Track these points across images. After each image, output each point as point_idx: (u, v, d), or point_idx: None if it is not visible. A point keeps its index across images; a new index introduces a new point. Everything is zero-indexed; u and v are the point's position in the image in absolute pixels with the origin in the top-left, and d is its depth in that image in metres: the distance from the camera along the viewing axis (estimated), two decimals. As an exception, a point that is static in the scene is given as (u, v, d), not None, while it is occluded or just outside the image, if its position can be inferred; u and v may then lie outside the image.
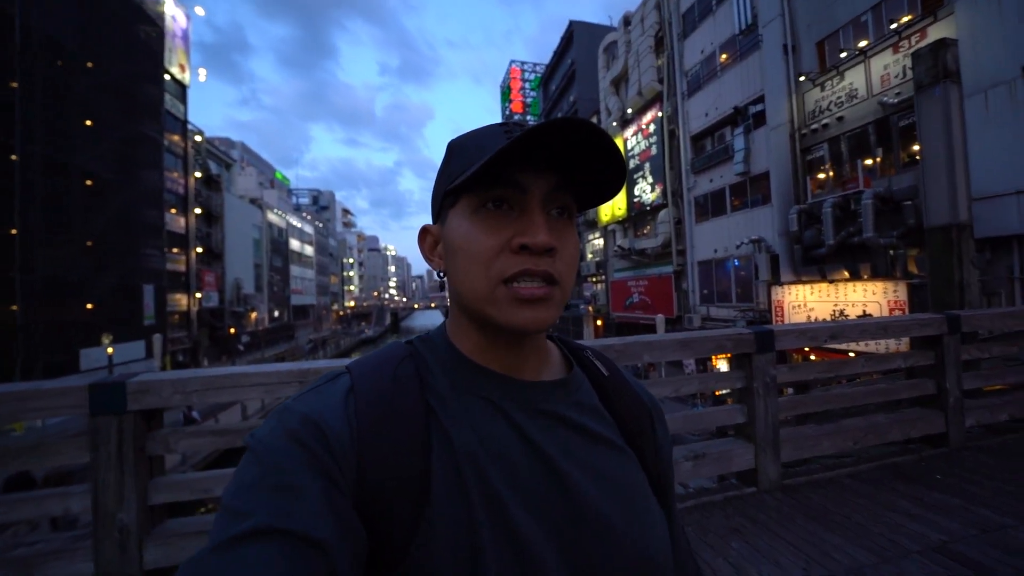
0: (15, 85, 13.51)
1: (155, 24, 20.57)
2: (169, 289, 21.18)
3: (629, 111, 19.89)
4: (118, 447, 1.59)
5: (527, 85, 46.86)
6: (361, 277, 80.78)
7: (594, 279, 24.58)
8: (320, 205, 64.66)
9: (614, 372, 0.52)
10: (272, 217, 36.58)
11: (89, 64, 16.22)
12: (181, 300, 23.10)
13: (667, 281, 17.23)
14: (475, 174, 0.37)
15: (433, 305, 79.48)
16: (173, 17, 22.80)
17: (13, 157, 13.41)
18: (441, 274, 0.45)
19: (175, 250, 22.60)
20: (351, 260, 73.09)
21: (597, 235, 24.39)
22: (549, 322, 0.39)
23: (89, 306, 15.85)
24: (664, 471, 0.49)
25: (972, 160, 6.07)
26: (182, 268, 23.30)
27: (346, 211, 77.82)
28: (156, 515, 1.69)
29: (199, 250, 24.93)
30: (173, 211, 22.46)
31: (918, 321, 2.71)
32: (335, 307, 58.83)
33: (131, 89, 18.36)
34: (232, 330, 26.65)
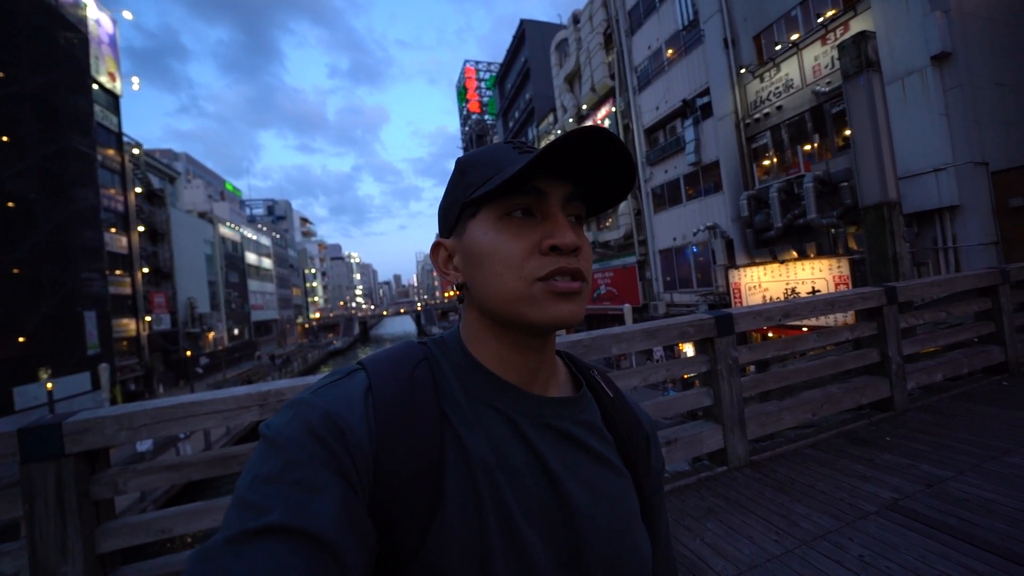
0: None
1: (77, 30, 18.84)
2: (114, 314, 19.57)
3: (584, 107, 20.26)
4: (57, 495, 1.44)
5: (483, 84, 46.76)
6: (325, 287, 78.05)
7: (563, 274, 24.84)
8: (276, 215, 61.66)
9: (618, 394, 0.53)
10: (224, 231, 34.57)
11: (0, 74, 14.69)
12: (129, 325, 21.45)
13: (631, 271, 17.72)
14: (504, 184, 0.39)
15: (403, 311, 77.95)
16: (97, 22, 21.01)
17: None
18: (459, 285, 0.46)
19: (118, 272, 20.92)
20: (313, 271, 70.41)
21: (563, 230, 24.67)
22: (582, 316, 0.41)
23: (21, 339, 14.40)
24: (653, 496, 0.50)
25: (896, 142, 6.62)
26: (128, 291, 21.61)
27: (304, 220, 74.75)
28: (108, 564, 1.54)
29: (145, 270, 23.21)
30: (113, 230, 20.79)
31: (860, 295, 2.90)
32: (300, 320, 56.52)
33: (54, 100, 16.78)
34: (188, 353, 24.98)
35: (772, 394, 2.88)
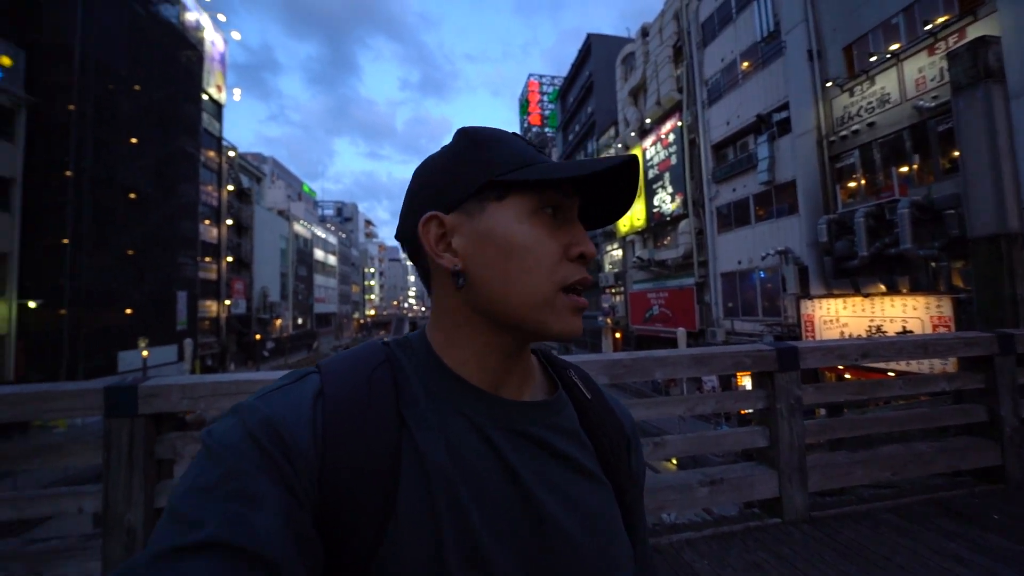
0: (72, 107, 14.58)
1: (195, 49, 21.90)
2: (201, 296, 22.09)
3: (648, 121, 19.73)
4: (128, 449, 1.61)
5: (545, 98, 47.36)
6: (381, 287, 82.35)
7: (612, 290, 24.21)
8: (344, 216, 66.54)
9: (596, 395, 0.49)
10: (298, 228, 37.85)
11: (136, 87, 17.35)
12: (212, 307, 24.03)
13: (688, 293, 16.77)
14: (562, 177, 0.37)
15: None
16: (212, 42, 24.26)
17: (68, 173, 14.41)
18: (456, 272, 0.39)
19: (207, 259, 23.60)
20: (372, 270, 74.73)
21: (615, 246, 24.10)
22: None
23: (128, 311, 16.67)
24: (634, 504, 0.46)
25: (1021, 164, 5.66)
26: (214, 276, 24.28)
27: (368, 222, 79.84)
28: None
29: (230, 259, 25.97)
30: (207, 222, 23.54)
31: (964, 340, 2.45)
32: (356, 315, 60.04)
33: (172, 109, 19.52)
34: (258, 336, 27.49)
35: (843, 443, 2.51)
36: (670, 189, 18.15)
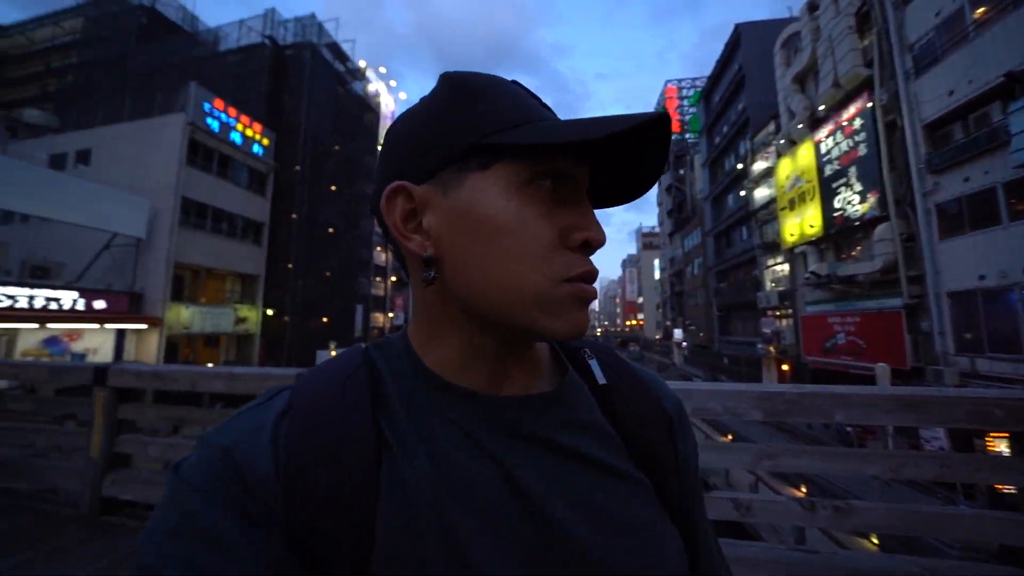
0: (297, 169, 19.77)
1: (374, 111, 27.55)
2: (372, 309, 27.02)
3: (821, 108, 16.27)
4: (104, 409, 2.35)
5: (684, 102, 44.06)
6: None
7: (777, 313, 20.23)
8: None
9: (623, 374, 0.41)
10: (445, 252, 43.25)
11: (336, 148, 22.55)
12: (379, 318, 29.11)
13: (892, 319, 12.79)
14: (569, 140, 0.29)
15: (581, 334, 79.31)
16: (385, 104, 30.20)
17: (293, 216, 19.50)
18: (427, 259, 0.33)
19: (378, 279, 28.80)
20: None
21: (779, 259, 20.22)
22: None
23: (324, 320, 21.33)
24: (690, 492, 0.40)
25: None
26: (381, 293, 29.49)
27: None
28: (118, 459, 2.34)
29: (393, 279, 31.06)
30: (379, 249, 28.74)
31: None
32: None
33: (356, 160, 24.81)
34: (411, 346, 32.06)
35: None
36: (858, 186, 14.41)
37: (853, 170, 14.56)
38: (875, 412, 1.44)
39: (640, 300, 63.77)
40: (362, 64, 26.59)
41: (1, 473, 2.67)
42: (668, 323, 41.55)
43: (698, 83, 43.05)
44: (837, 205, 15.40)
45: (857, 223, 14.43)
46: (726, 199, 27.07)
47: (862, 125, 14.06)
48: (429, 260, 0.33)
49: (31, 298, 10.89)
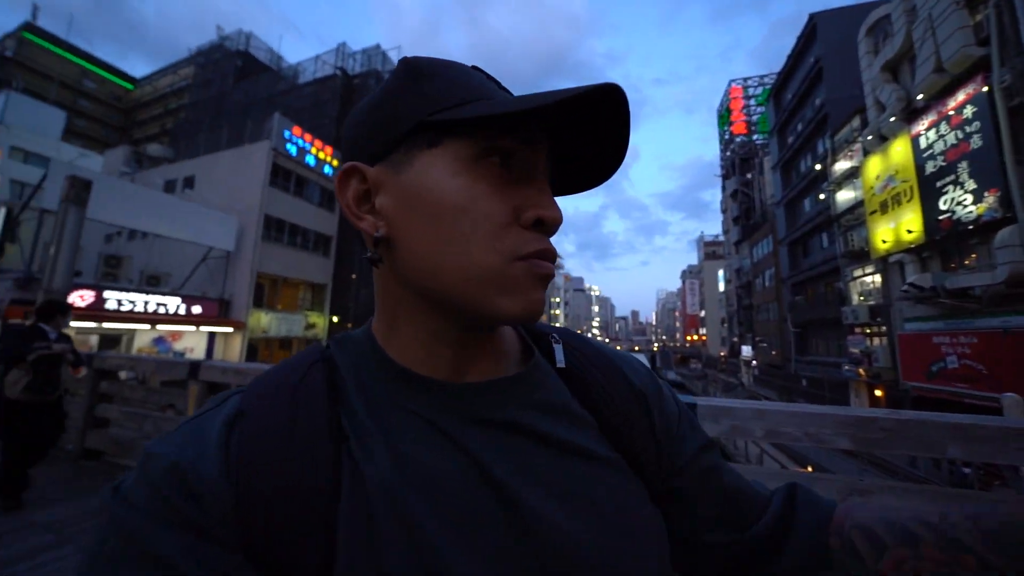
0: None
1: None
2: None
3: (919, 98, 14.29)
4: (90, 384, 3.46)
5: (751, 102, 41.28)
6: (566, 316, 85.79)
7: (868, 331, 17.81)
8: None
9: (590, 356, 0.41)
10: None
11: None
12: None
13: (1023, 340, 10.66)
14: (509, 112, 0.28)
15: (636, 348, 75.95)
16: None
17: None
18: (378, 239, 0.32)
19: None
20: (557, 299, 78.93)
21: (869, 270, 17.89)
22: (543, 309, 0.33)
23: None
24: (689, 457, 0.40)
25: None
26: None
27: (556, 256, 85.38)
28: (98, 424, 3.43)
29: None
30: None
31: None
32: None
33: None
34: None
35: None
36: (971, 184, 12.37)
37: (964, 166, 12.53)
38: (1006, 449, 1.11)
39: (702, 314, 59.76)
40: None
41: (118, 450, 3.25)
42: (734, 339, 38.37)
43: (766, 81, 40.23)
44: (943, 207, 13.30)
45: (971, 227, 12.33)
46: (801, 204, 24.67)
47: (974, 114, 12.12)
48: (379, 240, 0.32)
49: (146, 303, 12.77)
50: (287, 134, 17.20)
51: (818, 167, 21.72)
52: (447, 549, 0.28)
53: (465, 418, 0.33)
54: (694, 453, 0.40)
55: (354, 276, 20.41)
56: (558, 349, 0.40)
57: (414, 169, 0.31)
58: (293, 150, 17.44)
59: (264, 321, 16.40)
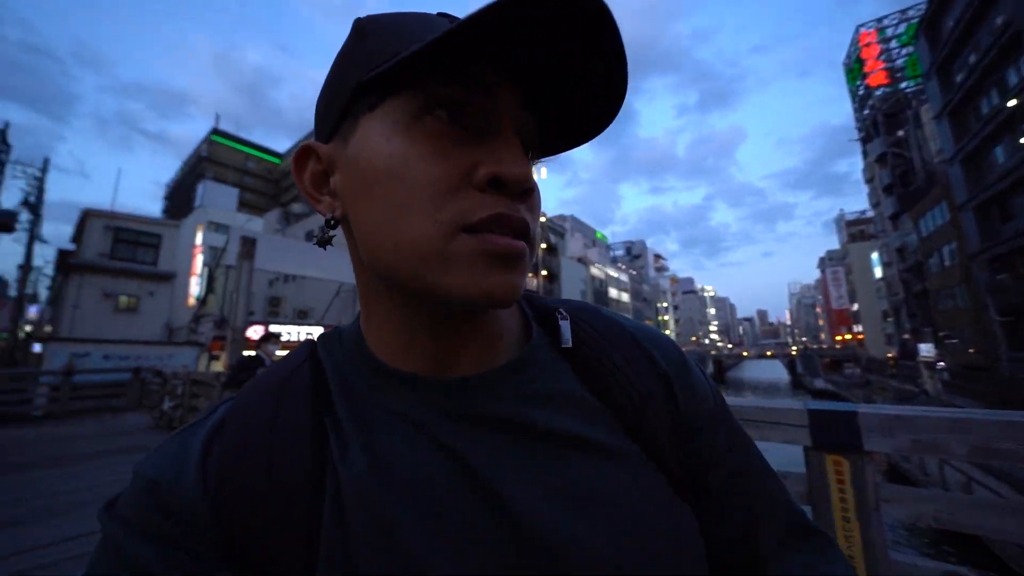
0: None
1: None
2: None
3: None
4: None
5: (892, 44, 33.70)
6: (677, 321, 79.01)
7: None
8: (633, 254, 69.93)
9: (605, 332, 0.36)
10: (594, 271, 42.74)
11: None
12: (535, 342, 30.46)
13: None
14: (422, 54, 0.24)
15: (769, 353, 65.62)
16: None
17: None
18: (331, 222, 0.31)
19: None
20: (664, 304, 73.33)
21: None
22: (521, 292, 0.28)
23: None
24: (722, 450, 0.35)
25: None
26: (535, 317, 30.91)
27: (657, 256, 79.92)
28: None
29: (545, 303, 32.41)
30: (531, 275, 30.52)
31: None
32: (652, 352, 59.73)
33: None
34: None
35: None
36: None
37: None
38: None
39: (854, 307, 49.21)
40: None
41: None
42: (905, 336, 30.50)
43: (910, 15, 32.45)
44: None
45: None
46: (989, 155, 18.89)
47: None
48: (331, 222, 0.30)
49: (299, 333, 15.54)
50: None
51: (1012, 103, 16.47)
52: (428, 557, 0.26)
53: (451, 415, 0.30)
54: (725, 449, 0.35)
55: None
56: (564, 326, 0.35)
57: (356, 136, 0.28)
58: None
59: (385, 344, 18.58)
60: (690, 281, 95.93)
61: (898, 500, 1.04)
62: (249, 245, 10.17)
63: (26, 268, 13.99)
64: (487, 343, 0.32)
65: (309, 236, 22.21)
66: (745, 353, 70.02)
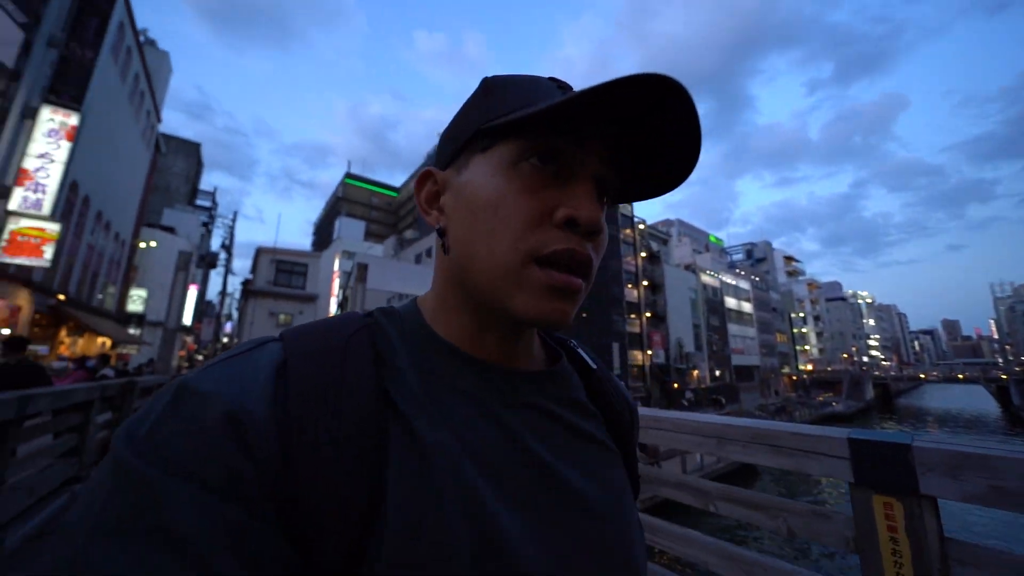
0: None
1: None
2: (628, 347, 26.75)
3: None
4: None
5: None
6: (819, 334, 65.88)
7: None
8: (755, 258, 61.15)
9: (601, 367, 0.47)
10: (705, 278, 38.49)
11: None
12: (637, 356, 28.37)
13: None
14: (536, 115, 0.30)
15: (961, 377, 50.11)
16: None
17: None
18: (440, 231, 0.38)
19: (632, 316, 28.56)
20: (802, 314, 62.03)
21: None
22: (571, 319, 0.34)
23: (583, 359, 23.12)
24: (636, 480, 0.47)
25: None
26: (636, 330, 28.87)
27: (789, 258, 68.45)
28: None
29: (648, 315, 30.10)
30: (629, 286, 28.89)
31: None
32: (786, 370, 51.01)
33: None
34: (675, 385, 29.23)
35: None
36: None
37: None
38: None
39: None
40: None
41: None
42: None
43: None
44: None
45: None
46: None
47: None
48: (440, 231, 0.37)
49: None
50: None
51: None
52: (503, 513, 0.30)
53: (504, 399, 0.35)
54: (638, 487, 0.47)
55: (584, 315, 22.03)
56: (583, 353, 0.46)
57: (468, 170, 0.35)
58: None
59: (483, 356, 19.57)
60: (836, 286, 79.64)
61: (975, 564, 0.79)
62: (362, 270, 11.89)
63: (223, 294, 18.53)
64: (529, 353, 0.40)
65: (417, 258, 24.91)
66: (923, 376, 54.66)
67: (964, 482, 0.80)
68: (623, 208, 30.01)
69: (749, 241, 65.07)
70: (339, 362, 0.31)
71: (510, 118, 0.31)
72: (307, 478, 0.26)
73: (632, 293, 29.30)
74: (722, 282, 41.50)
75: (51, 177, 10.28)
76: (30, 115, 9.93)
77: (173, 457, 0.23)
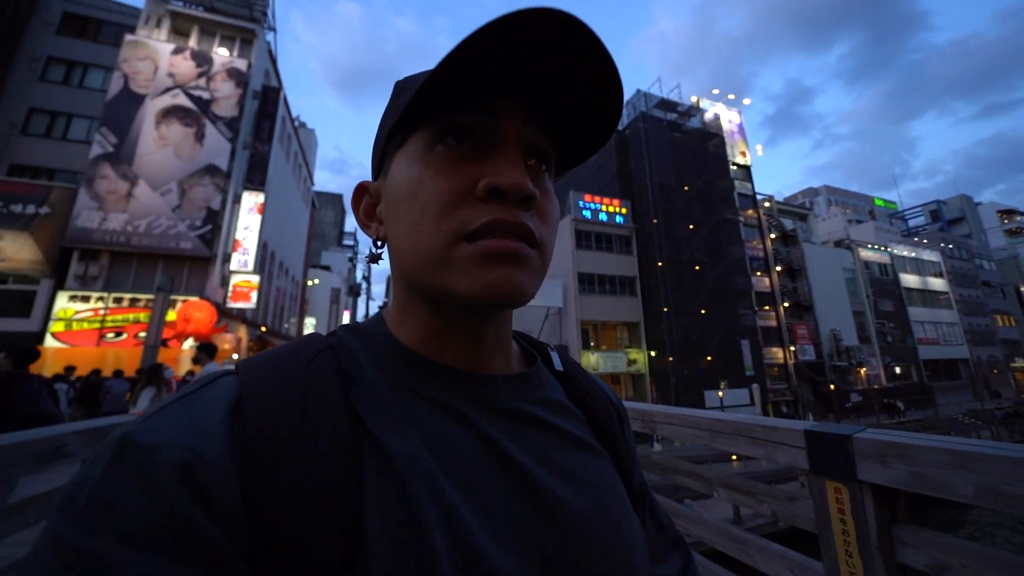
0: (654, 221, 21.92)
1: (718, 135, 25.98)
2: (764, 343, 23.26)
3: None
4: None
5: None
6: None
7: None
8: (944, 219, 46.79)
9: (580, 368, 0.47)
10: (866, 254, 31.19)
11: (685, 188, 23.14)
12: (777, 353, 24.42)
13: None
14: (426, 92, 0.29)
15: None
16: (729, 120, 27.69)
17: (659, 264, 21.40)
18: (378, 244, 0.38)
19: (765, 308, 24.80)
20: None
21: None
22: (527, 289, 0.32)
23: (707, 358, 20.81)
24: (634, 472, 0.45)
25: None
26: (773, 323, 24.90)
27: (1007, 212, 50.78)
28: None
29: (786, 305, 25.74)
30: (759, 274, 25.20)
31: None
32: (1018, 363, 37.74)
33: (708, 190, 23.91)
34: (832, 386, 24.23)
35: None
36: None
37: None
38: None
39: None
40: (693, 99, 26.63)
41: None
42: None
43: None
44: None
45: None
46: None
47: None
48: (377, 242, 0.37)
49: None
50: (581, 203, 20.77)
51: None
52: (480, 528, 0.28)
53: (480, 405, 0.34)
54: (641, 479, 0.45)
55: (665, 309, 20.58)
56: (555, 355, 0.45)
57: (390, 172, 0.35)
58: (587, 213, 20.80)
59: (592, 360, 19.25)
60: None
61: (915, 545, 0.88)
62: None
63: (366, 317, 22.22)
64: (505, 355, 0.38)
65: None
66: None
67: (890, 469, 0.89)
68: (740, 187, 26.46)
69: (934, 199, 50.18)
70: (300, 391, 0.28)
71: (401, 102, 0.30)
72: (277, 523, 0.24)
73: (763, 282, 25.46)
74: (893, 256, 33.08)
75: (251, 241, 14.16)
76: (237, 200, 13.87)
77: (120, 523, 0.20)
